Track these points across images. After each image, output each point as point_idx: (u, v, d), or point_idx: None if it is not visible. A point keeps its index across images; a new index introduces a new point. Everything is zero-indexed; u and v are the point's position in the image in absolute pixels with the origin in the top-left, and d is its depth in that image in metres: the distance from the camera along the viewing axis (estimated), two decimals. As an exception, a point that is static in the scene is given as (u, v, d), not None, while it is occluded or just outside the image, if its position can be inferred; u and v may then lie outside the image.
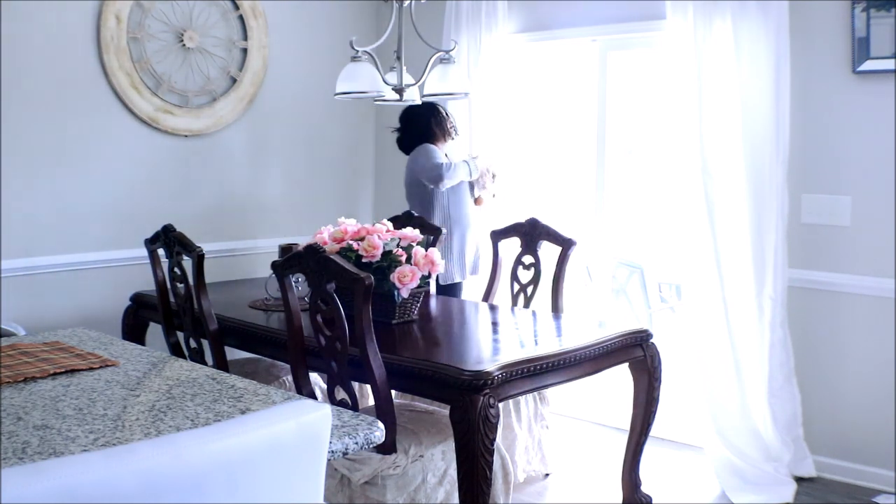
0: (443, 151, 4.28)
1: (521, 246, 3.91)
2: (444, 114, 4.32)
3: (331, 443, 1.58)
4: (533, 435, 3.73)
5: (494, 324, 3.44)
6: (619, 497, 3.40)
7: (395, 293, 3.14)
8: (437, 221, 4.18)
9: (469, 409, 2.51)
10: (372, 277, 2.62)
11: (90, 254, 4.13)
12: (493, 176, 4.33)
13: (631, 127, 5.36)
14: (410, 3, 3.52)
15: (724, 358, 3.81)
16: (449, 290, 4.23)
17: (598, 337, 3.04)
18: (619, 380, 3.73)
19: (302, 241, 3.39)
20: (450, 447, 2.79)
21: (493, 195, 4.41)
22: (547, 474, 3.84)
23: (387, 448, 2.70)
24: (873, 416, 3.64)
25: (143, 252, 3.52)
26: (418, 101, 3.78)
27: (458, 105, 4.71)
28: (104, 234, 4.17)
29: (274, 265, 2.83)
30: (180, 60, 4.39)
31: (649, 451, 3.47)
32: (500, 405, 2.66)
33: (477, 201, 4.36)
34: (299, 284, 3.21)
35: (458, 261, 4.27)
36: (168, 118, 4.34)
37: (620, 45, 4.42)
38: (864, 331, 3.65)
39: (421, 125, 4.28)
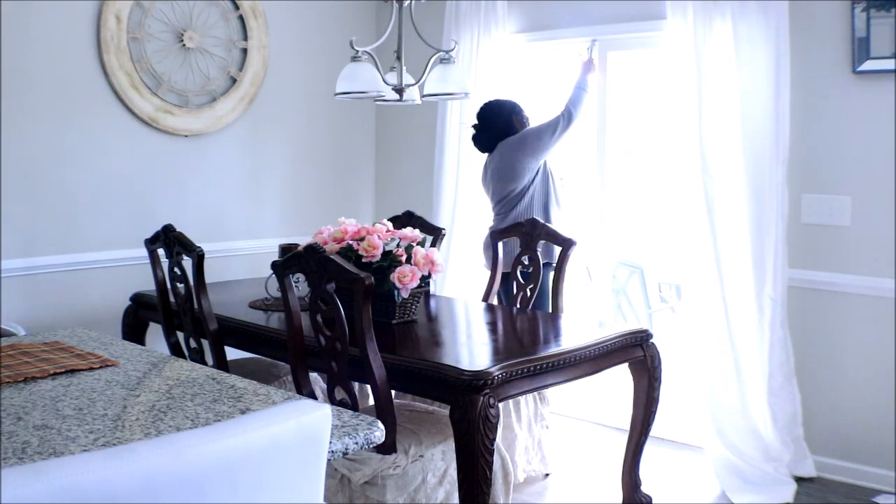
0: None
1: (520, 246, 3.91)
2: (523, 111, 4.25)
3: (331, 443, 1.58)
4: (533, 435, 3.73)
5: (494, 324, 3.44)
6: (619, 497, 3.39)
7: (395, 293, 3.14)
8: (537, 207, 4.12)
9: (469, 409, 2.51)
10: (372, 277, 2.62)
11: (90, 254, 4.13)
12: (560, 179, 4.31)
13: (631, 127, 5.37)
14: (410, 3, 3.52)
15: (724, 358, 3.81)
16: None
17: (598, 337, 3.04)
18: (619, 380, 3.73)
19: (302, 241, 3.39)
20: (450, 447, 2.79)
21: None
22: (547, 474, 3.84)
23: (387, 448, 2.70)
24: (873, 416, 3.64)
25: (143, 252, 3.52)
26: (419, 102, 3.76)
27: (458, 106, 4.71)
28: (104, 234, 4.17)
29: (274, 265, 2.83)
30: (180, 60, 4.39)
31: (649, 451, 3.47)
32: (500, 405, 2.66)
33: None
34: (299, 284, 3.21)
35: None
36: (168, 118, 4.34)
37: (620, 45, 4.42)
38: (864, 331, 3.65)
39: (502, 122, 4.19)
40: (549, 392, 3.80)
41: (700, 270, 3.88)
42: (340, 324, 2.64)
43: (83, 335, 2.55)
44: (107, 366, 2.19)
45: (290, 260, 2.77)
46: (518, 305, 3.78)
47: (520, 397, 3.48)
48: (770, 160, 3.71)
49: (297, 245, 3.28)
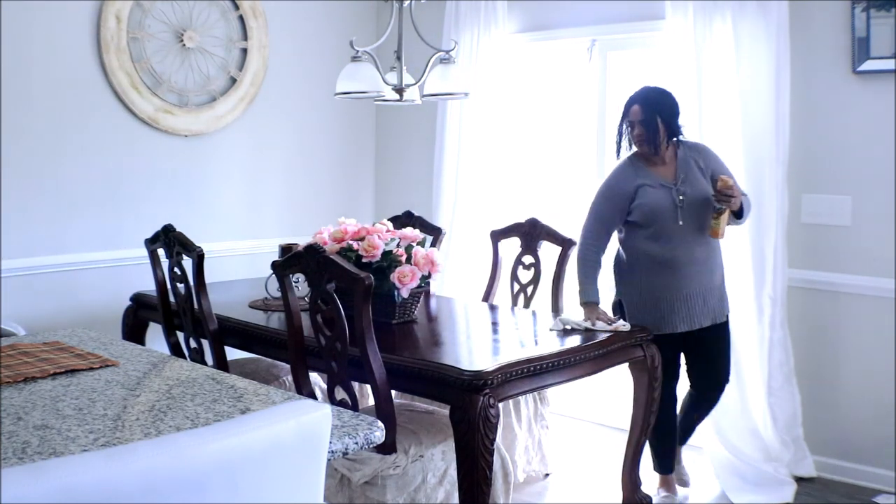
0: (642, 170, 3.28)
1: (521, 246, 3.91)
2: (625, 118, 3.29)
3: (331, 443, 1.58)
4: (533, 435, 3.73)
5: (494, 324, 3.44)
6: (619, 497, 3.39)
7: (395, 293, 3.14)
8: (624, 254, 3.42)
9: (469, 409, 2.51)
10: (372, 277, 2.62)
11: (90, 254, 4.13)
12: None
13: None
14: (410, 3, 3.52)
15: (724, 358, 3.81)
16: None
17: (598, 337, 3.04)
18: (619, 380, 3.73)
19: (302, 241, 3.39)
20: (450, 447, 2.79)
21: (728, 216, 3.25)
22: (547, 474, 3.84)
23: (387, 448, 2.70)
24: (873, 415, 3.64)
25: (143, 252, 3.52)
26: (419, 102, 3.73)
27: (458, 106, 4.71)
28: (104, 234, 4.17)
29: (274, 265, 2.83)
30: (180, 60, 4.39)
31: (649, 451, 3.47)
32: (500, 405, 2.66)
33: (712, 232, 3.22)
34: (299, 284, 3.21)
35: (641, 307, 3.33)
36: (168, 118, 4.34)
37: (620, 45, 4.42)
38: (864, 331, 3.65)
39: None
40: (549, 392, 3.80)
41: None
42: (340, 324, 2.64)
43: (83, 335, 2.55)
44: (107, 366, 2.19)
45: (290, 260, 2.77)
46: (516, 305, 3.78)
47: (520, 397, 3.48)
48: (770, 160, 3.71)
49: (297, 245, 3.28)
